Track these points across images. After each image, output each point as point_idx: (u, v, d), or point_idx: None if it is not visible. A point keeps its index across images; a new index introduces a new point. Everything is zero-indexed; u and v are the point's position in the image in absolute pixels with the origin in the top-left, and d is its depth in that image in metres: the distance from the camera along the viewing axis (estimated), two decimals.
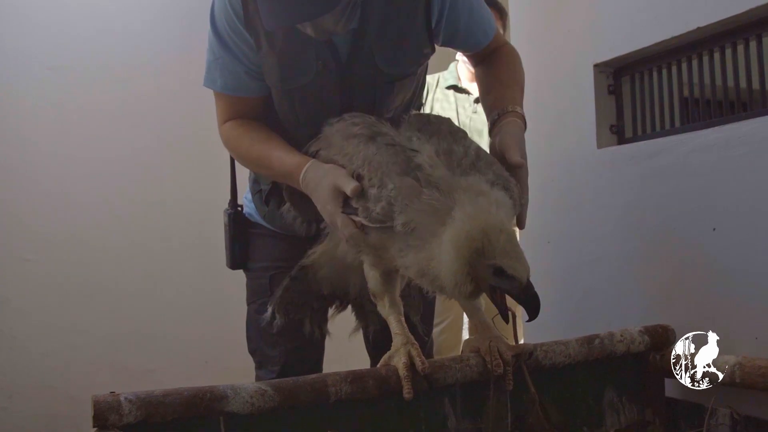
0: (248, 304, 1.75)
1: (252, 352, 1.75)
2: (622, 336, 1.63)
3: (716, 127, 1.70)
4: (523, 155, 1.44)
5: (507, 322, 1.30)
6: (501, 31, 2.90)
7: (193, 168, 3.16)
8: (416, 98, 1.66)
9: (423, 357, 1.35)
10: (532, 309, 1.21)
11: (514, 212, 1.32)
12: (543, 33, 2.21)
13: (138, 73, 3.17)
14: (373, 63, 1.47)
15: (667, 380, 1.69)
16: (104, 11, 3.18)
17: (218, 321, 3.15)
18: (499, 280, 1.20)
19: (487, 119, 1.57)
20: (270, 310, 1.58)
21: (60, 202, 3.04)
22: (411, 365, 1.34)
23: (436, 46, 1.58)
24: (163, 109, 3.21)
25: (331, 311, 1.65)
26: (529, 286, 1.21)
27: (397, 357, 1.36)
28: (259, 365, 1.73)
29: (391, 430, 1.40)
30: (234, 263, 1.75)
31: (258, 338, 1.71)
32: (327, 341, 1.69)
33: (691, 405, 1.62)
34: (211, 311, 3.17)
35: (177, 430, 1.20)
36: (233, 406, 1.22)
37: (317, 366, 1.72)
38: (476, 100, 3.07)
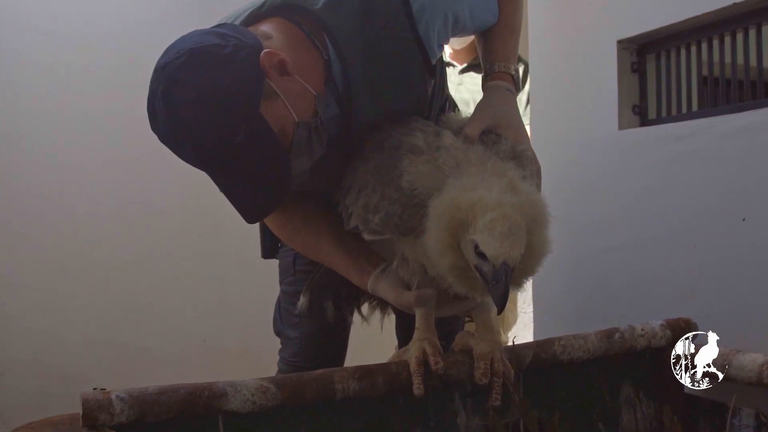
0: (280, 284, 1.71)
1: (276, 333, 1.73)
2: (643, 330, 1.57)
3: (748, 111, 1.63)
4: (509, 125, 1.32)
5: (498, 312, 1.16)
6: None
7: None
8: (437, 93, 1.50)
9: (438, 356, 1.29)
10: (497, 299, 1.08)
11: (541, 214, 1.17)
12: (564, 7, 2.13)
13: (138, 39, 3.02)
14: (372, 121, 1.35)
15: None
16: None
17: (218, 300, 3.09)
18: (479, 261, 1.10)
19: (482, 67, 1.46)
20: (303, 290, 1.53)
21: (54, 174, 2.94)
22: (424, 361, 1.28)
23: None
24: None
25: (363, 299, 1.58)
26: (502, 272, 1.07)
27: (411, 351, 1.31)
28: (282, 347, 1.71)
29: (399, 426, 1.35)
30: (264, 252, 1.68)
31: (280, 319, 1.70)
32: (360, 327, 1.63)
33: (713, 403, 1.57)
34: (210, 290, 3.10)
35: (173, 429, 1.13)
36: (233, 405, 1.15)
37: (339, 353, 1.67)
38: (461, 71, 3.03)
